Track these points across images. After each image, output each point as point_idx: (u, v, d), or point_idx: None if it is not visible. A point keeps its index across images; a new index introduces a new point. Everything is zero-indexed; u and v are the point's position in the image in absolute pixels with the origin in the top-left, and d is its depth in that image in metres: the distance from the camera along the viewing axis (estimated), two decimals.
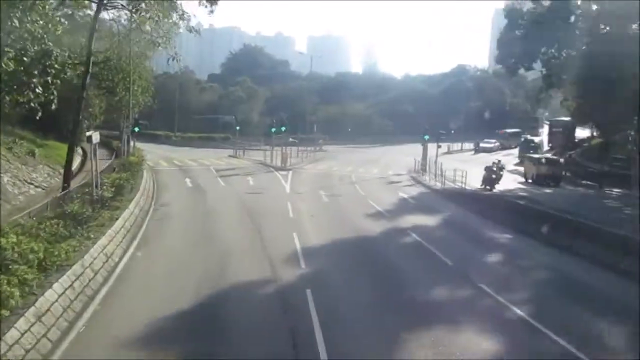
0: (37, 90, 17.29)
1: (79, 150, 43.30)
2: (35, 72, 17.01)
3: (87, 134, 18.04)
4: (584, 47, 36.25)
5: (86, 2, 24.10)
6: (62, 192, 17.58)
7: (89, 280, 12.10)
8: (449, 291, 12.98)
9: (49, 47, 17.15)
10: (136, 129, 36.43)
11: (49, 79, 17.61)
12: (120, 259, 14.47)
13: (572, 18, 38.13)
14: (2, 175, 22.39)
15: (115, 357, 8.97)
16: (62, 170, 31.74)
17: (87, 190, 17.93)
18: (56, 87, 18.55)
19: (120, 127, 33.09)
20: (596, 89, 35.14)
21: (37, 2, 15.72)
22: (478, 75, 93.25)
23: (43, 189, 25.59)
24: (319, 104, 78.19)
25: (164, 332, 9.94)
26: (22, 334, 8.62)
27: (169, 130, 70.85)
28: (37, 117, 20.32)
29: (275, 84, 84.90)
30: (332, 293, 12.34)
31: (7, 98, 16.07)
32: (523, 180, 34.13)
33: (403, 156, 52.92)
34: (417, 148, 62.92)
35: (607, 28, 36.23)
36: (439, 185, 30.51)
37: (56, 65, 18.17)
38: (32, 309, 9.24)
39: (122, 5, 25.76)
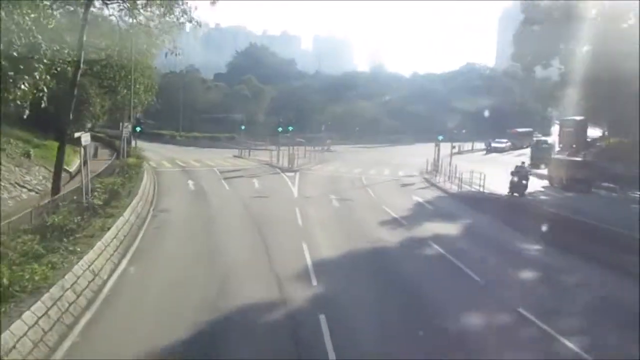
0: (22, 87, 15.71)
1: (82, 151, 41.86)
2: (22, 67, 15.45)
3: (76, 135, 16.35)
4: (601, 44, 34.43)
5: None
6: (49, 200, 15.89)
7: (69, 305, 10.41)
8: (483, 317, 11.20)
9: (37, 40, 15.52)
10: (138, 129, 34.79)
11: (37, 74, 16.01)
12: (110, 276, 12.78)
13: (594, 12, 36.24)
14: None
15: None
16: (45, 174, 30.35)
17: (75, 197, 16.27)
18: (46, 84, 16.99)
19: (120, 127, 31.37)
20: (614, 86, 33.32)
21: None
22: (487, 74, 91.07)
23: (37, 193, 23.99)
24: (325, 103, 76.43)
25: None
26: None
27: (174, 130, 69.40)
28: (24, 116, 18.62)
29: (281, 83, 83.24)
30: (349, 320, 10.61)
31: None
32: (545, 184, 31.92)
33: (413, 157, 51.01)
34: (427, 148, 61.19)
35: (626, 24, 34.40)
36: (455, 188, 28.67)
37: (45, 60, 16.60)
38: None
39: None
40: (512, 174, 26.23)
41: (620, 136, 48.80)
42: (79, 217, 14.77)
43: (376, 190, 28.36)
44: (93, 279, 12.06)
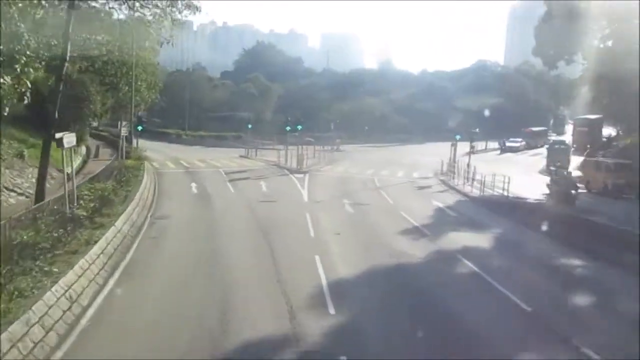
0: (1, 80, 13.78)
1: (83, 150, 40.07)
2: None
3: (57, 135, 14.35)
4: (622, 40, 32.13)
5: None
6: (27, 209, 13.90)
7: (34, 346, 8.41)
8: (536, 356, 9.10)
9: (19, 29, 13.60)
10: (139, 128, 32.88)
11: (18, 67, 14.07)
12: (91, 301, 10.78)
13: (613, 6, 33.84)
14: None
15: None
16: (55, 174, 28.46)
17: (57, 206, 14.29)
18: (28, 78, 15.06)
19: (119, 126, 29.41)
20: (633, 83, 30.97)
21: None
22: (499, 72, 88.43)
23: (27, 197, 22.07)
24: (333, 101, 74.22)
25: None
26: None
27: (180, 129, 67.60)
28: (5, 113, 16.68)
29: (288, 81, 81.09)
30: None
31: None
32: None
33: (426, 156, 48.84)
34: (439, 147, 58.98)
35: None
36: (475, 192, 26.45)
37: (28, 52, 14.65)
38: None
39: None
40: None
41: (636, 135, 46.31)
42: (60, 230, 12.83)
43: (391, 193, 26.22)
44: (70, 307, 10.06)
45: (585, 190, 26.22)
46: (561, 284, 13.06)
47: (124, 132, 28.87)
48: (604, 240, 15.24)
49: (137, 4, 24.52)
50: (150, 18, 33.86)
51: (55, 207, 14.14)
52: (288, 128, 37.84)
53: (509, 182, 24.54)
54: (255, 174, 32.02)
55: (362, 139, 63.12)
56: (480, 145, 56.46)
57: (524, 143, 60.24)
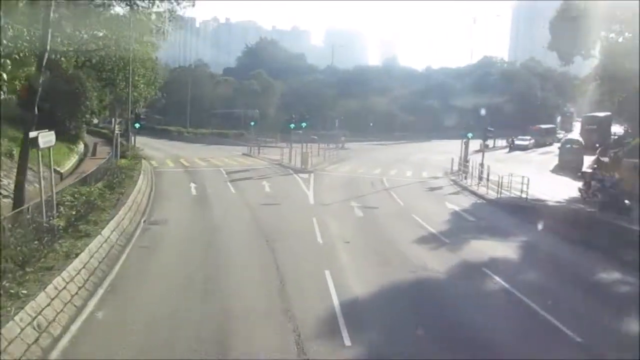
0: None
1: (80, 148, 38.40)
2: None
3: (31, 135, 12.66)
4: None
5: None
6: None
7: None
8: None
9: None
10: (137, 125, 31.18)
11: None
12: (65, 330, 9.10)
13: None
14: None
15: None
16: (45, 174, 26.78)
17: (29, 216, 12.58)
18: (5, 69, 13.49)
19: (112, 124, 27.66)
20: None
21: None
22: (505, 68, 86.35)
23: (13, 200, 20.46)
24: (337, 98, 72.36)
25: None
26: None
27: (181, 126, 65.93)
28: None
29: (291, 78, 79.17)
30: None
31: None
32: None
33: (433, 155, 47.21)
34: (447, 145, 57.25)
35: None
36: (492, 193, 24.69)
37: (5, 41, 13.16)
38: None
39: None
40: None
41: None
42: (35, 243, 11.16)
43: (401, 195, 24.48)
44: (37, 339, 8.39)
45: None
46: (607, 305, 11.31)
47: (118, 129, 27.09)
48: None
49: None
50: (145, 10, 32.32)
51: (32, 215, 12.43)
52: (292, 125, 36.11)
53: (528, 184, 22.80)
54: (257, 174, 30.32)
55: (367, 137, 61.38)
56: (488, 143, 54.73)
57: (533, 141, 58.41)
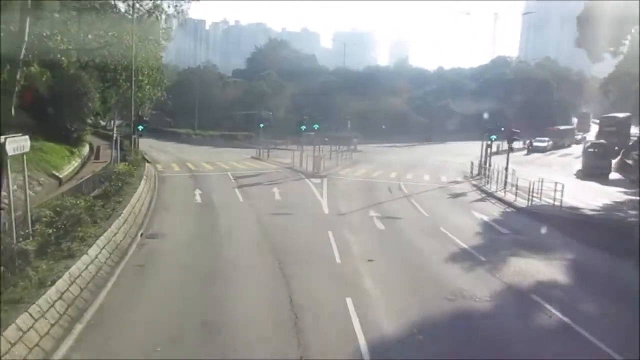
0: None
1: (84, 151, 36.63)
2: None
3: None
4: None
5: None
6: None
7: None
8: None
9: None
10: (140, 128, 29.34)
11: None
12: None
13: None
14: None
15: None
16: (42, 180, 25.02)
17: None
18: None
19: (112, 126, 25.76)
20: None
21: None
22: (521, 68, 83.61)
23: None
24: (348, 99, 70.24)
25: None
26: None
27: (190, 128, 64.33)
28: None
29: (301, 79, 77.19)
30: None
31: None
32: None
33: (450, 157, 45.00)
34: (463, 147, 54.90)
35: None
36: (521, 201, 22.47)
37: None
38: None
39: None
40: None
41: None
42: (2, 269, 9.24)
43: (423, 202, 22.33)
44: None
45: None
46: None
47: (118, 132, 25.17)
48: None
49: None
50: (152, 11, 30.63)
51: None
52: (303, 127, 34.07)
53: (562, 190, 20.56)
54: (267, 179, 28.32)
55: (379, 139, 59.20)
56: (501, 144, 52.30)
57: (551, 143, 55.89)
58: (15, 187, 16.44)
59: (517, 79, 74.84)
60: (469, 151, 50.07)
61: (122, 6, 30.50)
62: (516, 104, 69.76)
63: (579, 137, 64.04)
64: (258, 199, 22.39)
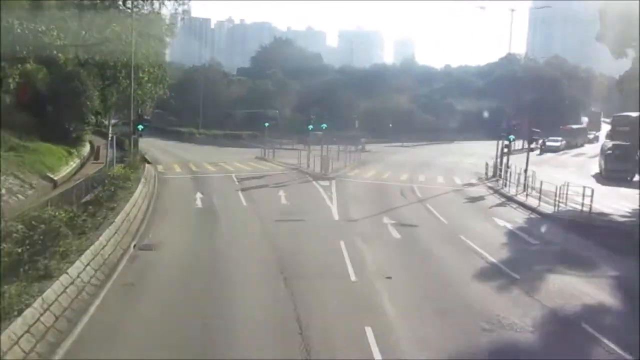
0: None
1: (84, 151, 35.18)
2: None
3: None
4: None
5: None
6: None
7: None
8: None
9: None
10: (140, 127, 27.80)
11: None
12: None
13: None
14: None
15: None
16: (34, 182, 23.50)
17: None
18: None
19: (108, 125, 24.14)
20: None
21: None
22: (530, 65, 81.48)
23: None
24: (355, 98, 68.46)
25: None
26: None
27: (194, 127, 62.78)
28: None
29: (307, 78, 75.45)
30: None
31: None
32: None
33: (461, 157, 43.24)
34: (472, 147, 53.15)
35: None
36: (544, 206, 20.71)
37: None
38: None
39: None
40: None
41: None
42: None
43: (439, 207, 20.61)
44: None
45: None
46: None
47: (114, 132, 23.54)
48: None
49: None
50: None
51: None
52: (310, 127, 32.42)
53: (592, 196, 18.79)
54: (272, 181, 26.70)
55: (386, 138, 57.40)
56: (516, 144, 50.38)
57: (564, 142, 53.91)
58: None
59: (526, 77, 72.74)
60: (479, 151, 48.33)
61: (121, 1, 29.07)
62: (526, 103, 67.75)
63: (591, 136, 62.00)
64: (263, 203, 20.79)
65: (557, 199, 19.80)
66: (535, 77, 73.24)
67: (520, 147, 51.49)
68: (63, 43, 27.21)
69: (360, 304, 10.34)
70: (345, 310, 10.04)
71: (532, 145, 27.43)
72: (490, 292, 11.23)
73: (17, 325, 7.77)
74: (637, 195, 26.97)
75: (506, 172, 27.07)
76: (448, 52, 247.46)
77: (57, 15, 25.62)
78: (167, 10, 31.90)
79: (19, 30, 24.09)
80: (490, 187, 27.03)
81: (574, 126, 59.67)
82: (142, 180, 21.81)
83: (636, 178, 33.93)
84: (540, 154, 50.63)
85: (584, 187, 19.39)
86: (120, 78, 31.23)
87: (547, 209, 20.37)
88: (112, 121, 24.09)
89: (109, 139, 23.89)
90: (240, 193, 22.65)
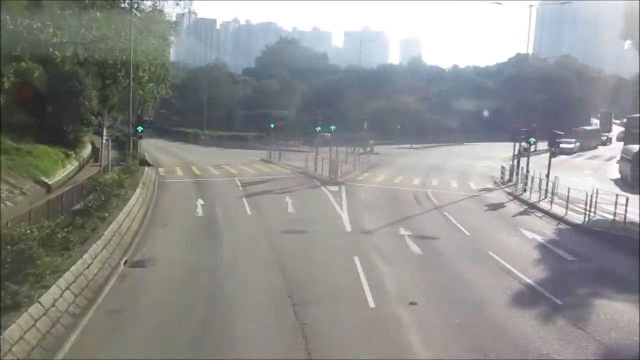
0: None
1: (84, 153, 33.76)
2: None
3: None
4: None
5: None
6: None
7: None
8: None
9: None
10: (139, 129, 26.30)
11: None
12: None
13: None
14: None
15: None
16: (26, 188, 22.04)
17: None
18: None
19: (102, 126, 22.62)
20: None
21: None
22: (540, 65, 79.44)
23: None
24: (362, 99, 66.79)
25: None
26: None
27: (198, 128, 61.42)
28: None
29: (312, 78, 73.86)
30: None
31: None
32: None
33: (472, 160, 41.54)
34: (483, 149, 51.42)
35: None
36: (573, 215, 18.99)
37: None
38: None
39: None
40: None
41: None
42: None
43: (459, 216, 18.93)
44: None
45: None
46: None
47: (107, 134, 22.01)
48: None
49: None
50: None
51: None
52: (318, 128, 30.82)
53: (626, 204, 17.04)
54: (278, 186, 25.12)
55: (394, 139, 55.70)
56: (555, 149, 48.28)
57: (578, 144, 52.04)
58: None
59: (537, 77, 70.76)
60: (491, 153, 46.63)
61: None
62: (536, 103, 65.76)
63: (604, 138, 60.04)
64: (268, 211, 19.20)
65: (588, 207, 18.06)
66: (546, 77, 71.23)
67: (532, 149, 49.67)
68: (60, 40, 25.81)
69: (383, 338, 8.74)
70: (365, 345, 8.45)
71: (554, 149, 25.49)
72: (533, 323, 9.57)
73: None
74: None
75: (525, 177, 25.37)
76: (455, 52, 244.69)
77: (54, 11, 24.25)
78: (170, 9, 30.45)
79: (12, 27, 22.75)
80: (509, 193, 25.35)
81: (588, 127, 57.74)
82: (140, 185, 20.31)
83: None
84: (554, 156, 48.76)
85: (617, 195, 17.68)
86: (120, 77, 29.80)
87: (576, 218, 18.67)
88: (107, 123, 22.38)
89: (103, 141, 22.29)
90: (244, 200, 21.06)
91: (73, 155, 30.02)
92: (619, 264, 13.98)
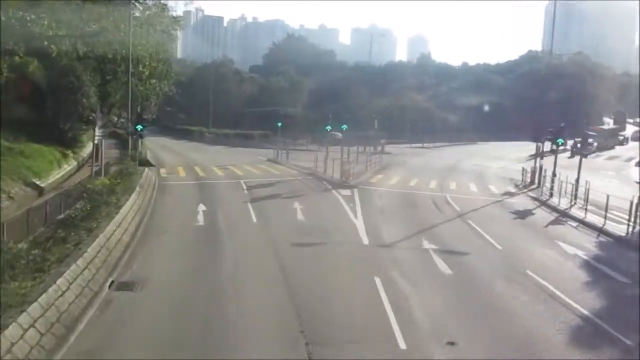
0: None
1: (83, 152, 32.03)
2: None
3: None
4: None
5: None
6: None
7: None
8: None
9: None
10: (139, 128, 24.51)
11: None
12: None
13: None
14: None
15: None
16: (14, 191, 20.27)
17: None
18: None
19: (96, 126, 20.73)
20: None
21: None
22: (553, 63, 76.84)
23: None
24: (370, 96, 64.76)
25: None
26: None
27: (204, 126, 59.65)
28: None
29: (320, 75, 71.83)
30: None
31: None
32: None
33: (488, 161, 39.48)
34: (498, 149, 49.25)
35: None
36: (611, 224, 16.99)
37: None
38: None
39: None
40: None
41: None
42: None
43: (485, 225, 16.95)
44: None
45: None
46: None
47: (99, 134, 20.12)
48: None
49: None
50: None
51: None
52: (328, 127, 28.86)
53: None
54: (286, 189, 23.23)
55: (404, 138, 53.63)
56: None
57: (596, 144, 49.67)
58: None
59: (550, 75, 68.27)
60: (506, 153, 44.57)
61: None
62: (550, 102, 63.36)
63: (621, 137, 57.65)
64: (276, 219, 17.30)
65: (632, 218, 16.03)
66: (559, 74, 68.76)
67: (547, 148, 47.45)
68: (56, 33, 24.10)
69: None
70: None
71: (583, 150, 23.38)
72: None
73: None
74: None
75: (552, 180, 23.33)
76: (464, 49, 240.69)
77: (51, 3, 22.56)
78: (174, 3, 28.61)
79: (3, 19, 21.07)
80: (534, 198, 23.36)
81: (605, 127, 55.38)
82: (137, 189, 18.49)
83: None
84: (572, 156, 46.51)
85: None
86: (120, 73, 28.03)
87: (616, 228, 16.65)
88: (100, 122, 20.52)
89: (94, 144, 20.43)
90: (249, 205, 19.17)
91: (71, 154, 28.30)
92: None
